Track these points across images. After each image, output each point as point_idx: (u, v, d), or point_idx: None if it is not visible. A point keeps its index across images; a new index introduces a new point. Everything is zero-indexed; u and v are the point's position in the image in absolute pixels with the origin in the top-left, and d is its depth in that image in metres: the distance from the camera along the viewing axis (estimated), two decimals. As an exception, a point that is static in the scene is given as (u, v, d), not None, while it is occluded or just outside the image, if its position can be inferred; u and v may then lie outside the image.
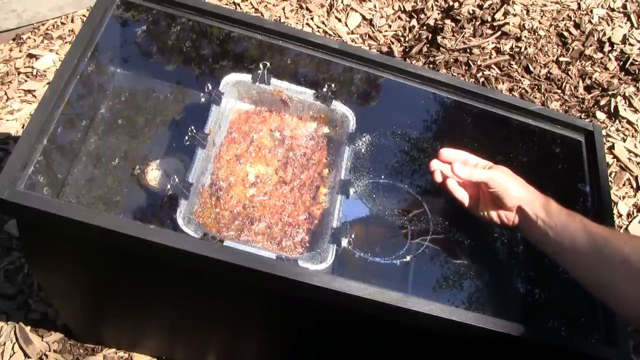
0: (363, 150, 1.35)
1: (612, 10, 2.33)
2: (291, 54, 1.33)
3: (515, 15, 2.30)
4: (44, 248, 1.13)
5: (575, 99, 2.14)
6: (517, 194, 1.10)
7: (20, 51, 2.11)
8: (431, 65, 2.24)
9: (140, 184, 1.25)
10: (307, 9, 2.44)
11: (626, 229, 1.83)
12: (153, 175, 1.25)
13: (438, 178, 1.16)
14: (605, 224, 1.25)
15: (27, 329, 1.56)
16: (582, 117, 2.07)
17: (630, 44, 2.22)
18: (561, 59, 2.22)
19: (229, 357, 1.57)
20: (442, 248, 1.29)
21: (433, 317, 0.99)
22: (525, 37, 2.25)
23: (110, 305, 1.37)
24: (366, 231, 1.28)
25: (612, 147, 1.97)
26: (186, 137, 1.15)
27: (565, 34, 2.27)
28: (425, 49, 2.33)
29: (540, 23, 2.29)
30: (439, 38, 2.30)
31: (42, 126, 1.03)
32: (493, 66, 2.21)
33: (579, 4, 2.35)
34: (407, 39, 2.43)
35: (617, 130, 2.02)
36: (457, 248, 1.30)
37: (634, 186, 1.92)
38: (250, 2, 2.42)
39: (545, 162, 1.44)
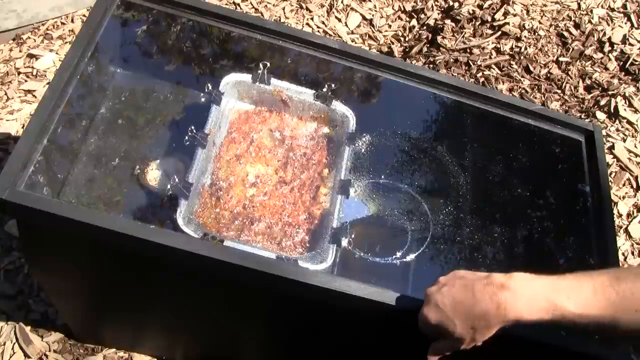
0: (363, 150, 1.35)
1: (612, 10, 2.33)
2: (291, 54, 1.33)
3: (515, 15, 2.30)
4: (44, 248, 1.13)
5: (575, 99, 2.14)
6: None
7: (20, 51, 2.11)
8: (431, 65, 2.24)
9: (140, 184, 1.25)
10: (307, 9, 2.44)
11: (626, 229, 1.83)
12: (153, 175, 1.25)
13: None
14: (605, 224, 1.25)
15: (27, 329, 1.56)
16: (582, 117, 2.07)
17: (630, 44, 2.22)
18: (561, 59, 2.22)
19: (229, 356, 1.57)
20: (442, 248, 1.29)
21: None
22: (525, 37, 2.25)
23: (110, 305, 1.37)
24: (366, 231, 1.28)
25: (612, 147, 1.97)
26: (186, 137, 1.15)
27: (565, 34, 2.27)
28: (425, 49, 2.33)
29: (540, 23, 2.29)
30: (439, 38, 2.30)
31: (42, 126, 1.03)
32: (493, 66, 2.21)
33: (579, 4, 2.35)
34: (407, 39, 2.42)
35: (617, 130, 2.02)
36: (457, 248, 1.30)
37: (634, 186, 1.92)
38: (250, 2, 2.42)
39: (545, 162, 1.44)
